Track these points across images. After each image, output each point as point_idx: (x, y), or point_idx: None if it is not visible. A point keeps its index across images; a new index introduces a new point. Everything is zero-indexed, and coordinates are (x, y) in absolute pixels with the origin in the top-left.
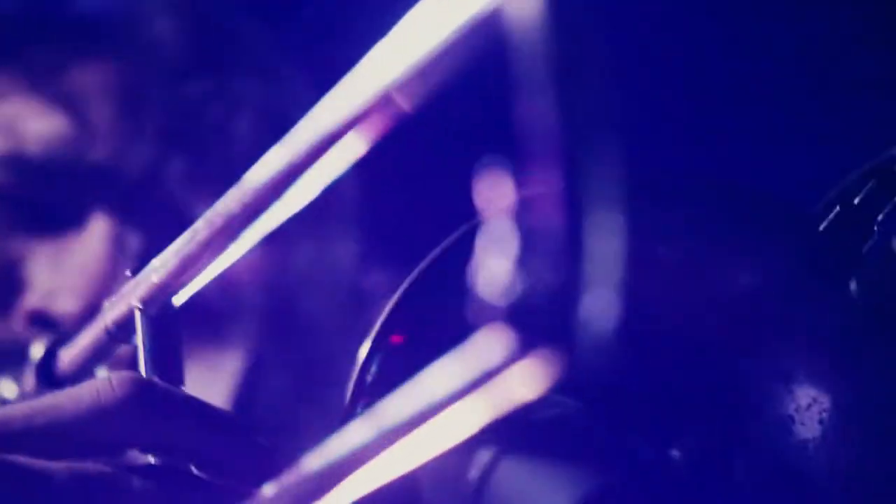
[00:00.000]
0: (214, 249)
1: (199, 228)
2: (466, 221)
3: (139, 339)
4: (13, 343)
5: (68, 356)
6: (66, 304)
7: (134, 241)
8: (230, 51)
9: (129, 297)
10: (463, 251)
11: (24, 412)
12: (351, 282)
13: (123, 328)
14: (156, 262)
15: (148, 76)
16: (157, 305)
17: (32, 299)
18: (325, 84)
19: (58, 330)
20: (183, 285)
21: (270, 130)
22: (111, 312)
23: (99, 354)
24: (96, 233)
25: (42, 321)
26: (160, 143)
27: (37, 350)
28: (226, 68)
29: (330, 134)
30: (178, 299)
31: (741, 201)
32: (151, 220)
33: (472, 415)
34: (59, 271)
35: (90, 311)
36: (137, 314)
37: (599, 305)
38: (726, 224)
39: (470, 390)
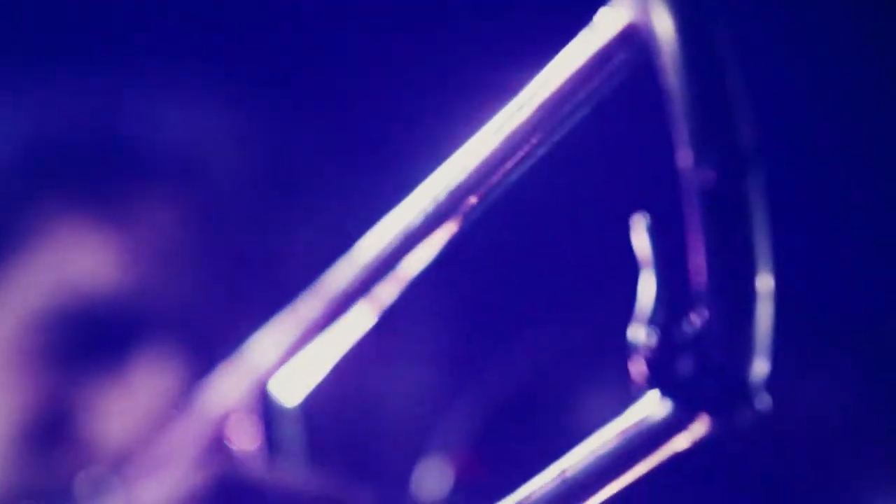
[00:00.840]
0: (317, 334)
1: (300, 316)
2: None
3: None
4: (58, 481)
5: (164, 453)
6: (116, 441)
7: (184, 376)
8: (291, 190)
9: (232, 391)
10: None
11: None
12: (416, 408)
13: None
14: (257, 355)
15: (206, 213)
16: (261, 400)
17: (81, 437)
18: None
19: (107, 466)
20: (287, 376)
21: (324, 250)
22: (216, 409)
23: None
24: (146, 369)
25: (91, 458)
26: (211, 277)
27: (85, 485)
28: (285, 206)
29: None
30: (282, 392)
31: None
32: (202, 353)
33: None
34: (109, 408)
35: (140, 447)
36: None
37: (760, 376)
38: None
39: (635, 452)
